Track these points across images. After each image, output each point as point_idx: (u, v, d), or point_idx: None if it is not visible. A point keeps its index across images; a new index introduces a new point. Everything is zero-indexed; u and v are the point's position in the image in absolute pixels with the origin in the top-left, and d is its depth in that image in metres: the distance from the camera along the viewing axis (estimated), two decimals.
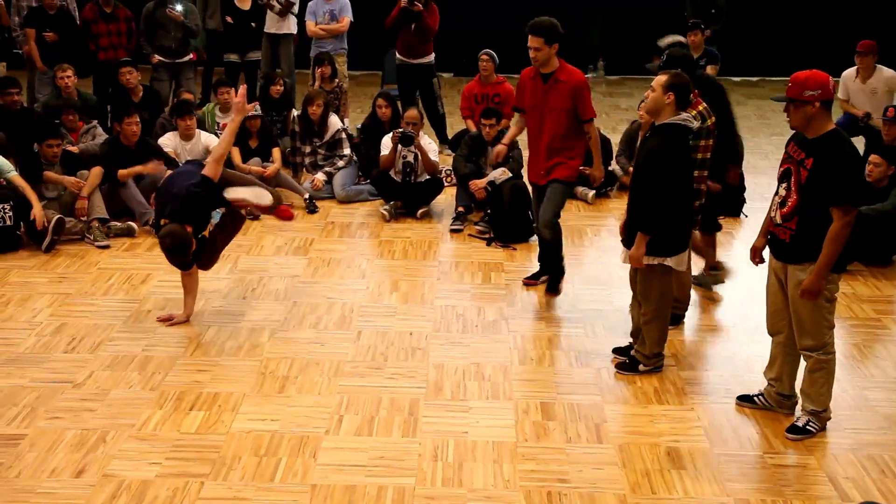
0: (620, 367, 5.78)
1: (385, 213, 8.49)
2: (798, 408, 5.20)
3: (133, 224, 7.98)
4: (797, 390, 5.24)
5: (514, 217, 8.01)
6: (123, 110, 8.43)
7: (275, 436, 4.97)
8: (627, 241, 5.56)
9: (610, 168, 9.24)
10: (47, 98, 9.67)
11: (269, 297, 6.80)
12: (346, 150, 9.21)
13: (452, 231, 8.22)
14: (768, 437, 5.08)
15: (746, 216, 8.72)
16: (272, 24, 10.98)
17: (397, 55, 10.57)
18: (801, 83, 4.67)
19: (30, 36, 10.07)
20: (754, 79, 15.59)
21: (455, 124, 11.02)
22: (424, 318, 6.50)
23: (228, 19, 10.74)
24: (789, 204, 4.85)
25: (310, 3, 10.92)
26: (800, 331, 4.98)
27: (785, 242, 4.91)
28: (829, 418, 5.14)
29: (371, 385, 5.54)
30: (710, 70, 10.44)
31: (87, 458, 4.74)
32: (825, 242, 4.73)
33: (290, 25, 11.06)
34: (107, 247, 7.66)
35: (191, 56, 10.61)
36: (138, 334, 6.15)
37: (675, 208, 5.35)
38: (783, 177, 4.91)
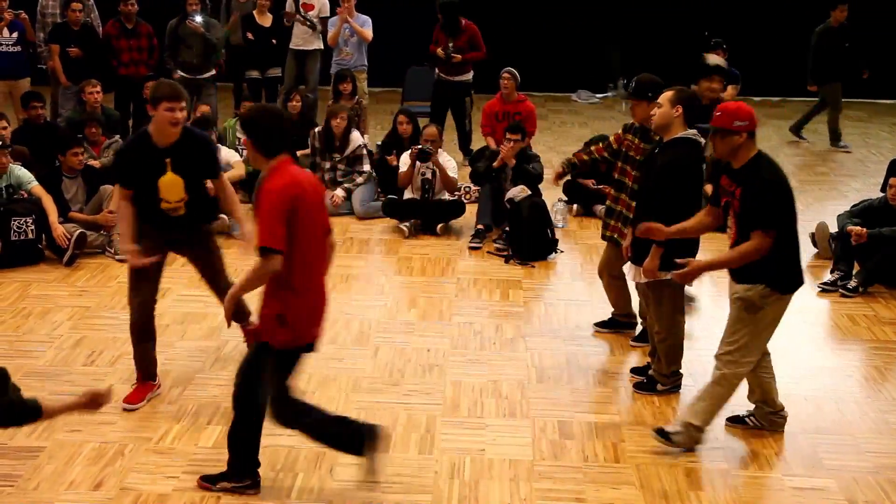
0: (638, 386, 5.76)
1: (405, 228, 8.51)
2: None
3: None
4: (781, 403, 5.24)
5: (533, 234, 8.01)
6: (144, 125, 8.48)
7: (292, 451, 4.98)
8: (636, 258, 5.55)
9: None
10: (71, 113, 9.77)
11: None
12: (366, 167, 9.24)
13: (471, 248, 8.23)
14: (787, 459, 5.04)
15: None
16: (299, 41, 11.05)
17: (437, 71, 10.70)
18: (731, 113, 4.74)
19: (54, 51, 10.18)
20: (775, 99, 15.55)
21: (478, 141, 11.05)
22: (442, 335, 6.49)
23: (249, 36, 10.82)
24: (731, 235, 4.91)
25: (331, 19, 11.00)
26: (728, 342, 4.97)
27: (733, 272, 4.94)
28: (701, 441, 5.05)
29: (388, 401, 5.54)
30: (730, 90, 10.44)
31: (105, 471, 4.76)
32: (731, 251, 4.82)
33: (318, 42, 11.13)
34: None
35: (213, 72, 10.68)
36: (157, 348, 6.13)
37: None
38: (724, 209, 4.97)
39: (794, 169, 11.23)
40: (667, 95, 5.36)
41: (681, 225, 5.15)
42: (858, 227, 7.43)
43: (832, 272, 7.54)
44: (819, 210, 9.39)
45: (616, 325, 6.56)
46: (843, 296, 7.30)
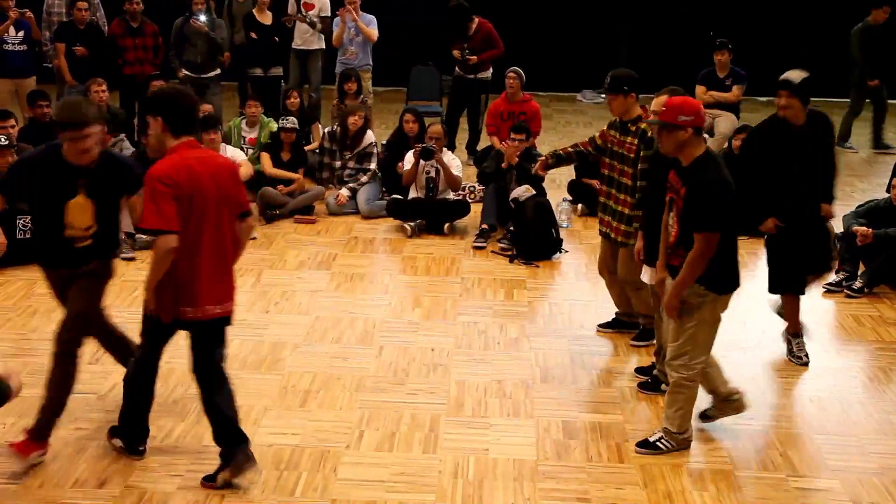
0: (643, 386, 5.75)
1: (408, 228, 8.51)
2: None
3: None
4: (732, 387, 5.23)
5: (538, 234, 8.00)
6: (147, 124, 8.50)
7: (295, 450, 4.98)
8: (650, 259, 5.53)
9: None
10: None
11: (291, 311, 6.82)
12: (373, 165, 9.27)
13: (475, 248, 8.23)
14: (792, 459, 5.04)
15: None
16: (301, 41, 11.06)
17: (456, 69, 10.76)
18: (676, 108, 4.69)
19: (60, 50, 10.20)
20: None
21: (483, 140, 11.08)
22: (446, 334, 6.49)
23: (252, 35, 10.82)
24: (673, 234, 4.88)
25: (336, 17, 11.00)
26: (673, 346, 4.96)
27: (675, 268, 4.88)
28: (689, 441, 5.07)
29: (392, 401, 5.54)
30: (735, 90, 10.44)
31: (110, 469, 4.77)
32: (686, 265, 4.74)
33: (320, 41, 11.14)
34: (132, 259, 7.72)
35: (217, 71, 10.69)
36: None
37: None
38: (669, 205, 4.93)
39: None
40: (661, 101, 5.32)
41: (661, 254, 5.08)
42: (864, 228, 7.42)
43: (837, 273, 7.53)
44: None
45: (620, 325, 6.55)
46: (848, 296, 7.29)
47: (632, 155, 5.97)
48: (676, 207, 4.82)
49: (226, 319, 4.66)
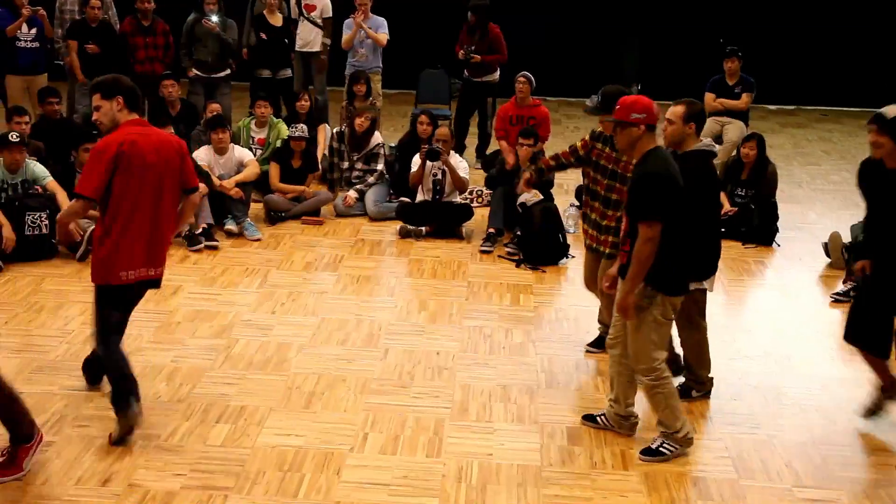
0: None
1: (413, 235, 8.52)
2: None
3: None
4: (636, 410, 5.24)
5: (544, 239, 8.00)
6: (160, 122, 8.52)
7: (299, 451, 4.98)
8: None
9: None
10: (87, 108, 9.80)
11: (297, 312, 6.83)
12: (380, 166, 9.28)
13: (482, 252, 8.22)
14: (797, 470, 5.02)
15: (779, 245, 8.65)
16: (303, 42, 11.06)
17: (465, 72, 10.81)
18: (628, 106, 4.82)
19: (72, 48, 10.23)
20: (790, 107, 15.52)
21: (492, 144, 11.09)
22: (452, 338, 6.49)
23: (263, 36, 10.83)
24: (623, 227, 4.96)
25: (347, 20, 11.02)
26: (630, 352, 4.99)
27: (625, 267, 4.91)
28: (690, 439, 5.07)
29: (397, 403, 5.54)
30: (745, 98, 10.42)
31: (114, 468, 4.77)
32: (633, 259, 4.79)
33: (318, 44, 11.14)
34: None
35: (227, 71, 10.70)
36: (167, 345, 6.19)
37: (704, 233, 5.33)
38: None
39: (807, 178, 11.20)
40: (677, 112, 5.28)
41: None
42: None
43: (845, 282, 7.51)
44: (832, 219, 9.36)
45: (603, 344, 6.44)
46: None
47: (628, 174, 5.62)
48: (624, 206, 4.93)
49: (156, 282, 5.11)
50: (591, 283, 6.31)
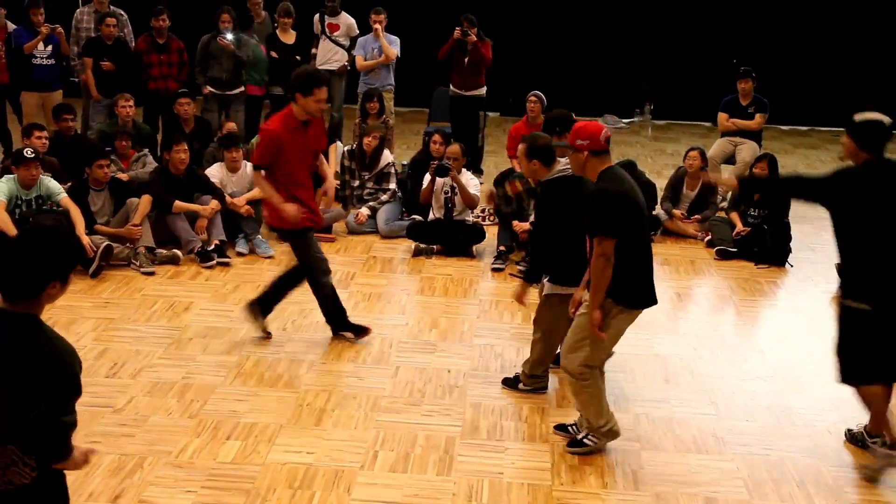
0: (505, 382, 6.07)
1: (423, 248, 8.54)
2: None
3: (178, 252, 8.08)
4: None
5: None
6: (172, 138, 8.59)
7: (310, 469, 4.97)
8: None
9: (654, 213, 9.21)
10: (102, 125, 9.87)
11: (308, 329, 6.83)
12: (392, 185, 9.31)
13: (494, 270, 8.22)
14: (809, 491, 4.98)
15: (792, 266, 8.62)
16: (322, 60, 11.12)
17: (451, 87, 10.84)
18: (574, 133, 4.99)
19: (87, 65, 10.30)
20: (803, 128, 15.49)
21: (501, 163, 11.09)
22: (463, 356, 6.48)
23: (273, 54, 10.88)
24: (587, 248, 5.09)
25: (360, 39, 11.08)
26: (564, 347, 5.17)
27: (588, 282, 5.04)
28: (614, 432, 5.20)
29: (407, 421, 5.53)
30: (758, 118, 10.42)
31: (124, 484, 4.77)
32: (591, 273, 4.94)
33: (342, 61, 11.19)
34: (152, 273, 7.77)
35: (241, 88, 10.76)
36: (179, 361, 6.20)
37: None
38: None
39: None
40: (521, 150, 5.66)
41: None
42: None
43: None
44: None
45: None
46: None
47: None
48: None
49: None
50: None
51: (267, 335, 6.59)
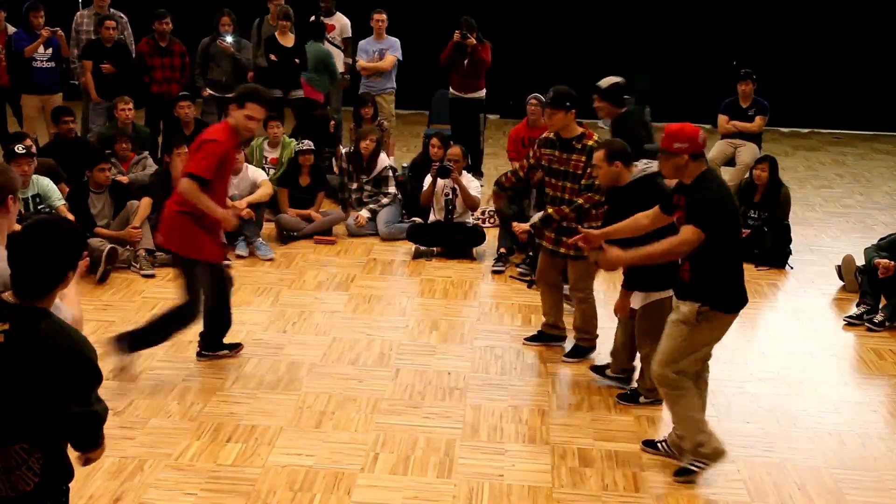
0: (622, 398, 5.94)
1: (423, 250, 8.54)
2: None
3: None
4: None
5: None
6: (173, 141, 8.59)
7: (310, 471, 4.97)
8: (631, 285, 5.71)
9: None
10: (102, 128, 9.88)
11: (309, 331, 6.83)
12: (392, 188, 9.31)
13: (494, 272, 8.22)
14: (810, 493, 4.98)
15: (792, 268, 8.62)
16: None
17: (450, 90, 10.84)
18: (671, 136, 4.76)
19: (87, 68, 10.31)
20: (804, 130, 15.50)
21: (501, 166, 11.09)
22: (463, 358, 6.48)
23: (272, 57, 10.88)
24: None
25: (361, 42, 11.09)
26: (656, 357, 5.02)
27: (683, 282, 4.89)
28: (719, 451, 5.00)
29: (407, 424, 5.53)
30: (758, 121, 10.42)
31: (125, 486, 4.77)
32: (658, 243, 4.83)
33: (339, 64, 11.20)
34: (152, 276, 7.77)
35: None
36: (179, 364, 6.20)
37: None
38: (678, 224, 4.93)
39: (820, 201, 11.16)
40: (599, 156, 5.64)
41: (614, 229, 5.24)
42: (886, 260, 7.36)
43: (858, 305, 7.48)
44: (846, 242, 9.33)
45: (545, 338, 6.72)
46: (869, 329, 7.23)
47: (578, 171, 6.21)
48: (679, 222, 4.86)
49: None
50: (542, 280, 6.68)
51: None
